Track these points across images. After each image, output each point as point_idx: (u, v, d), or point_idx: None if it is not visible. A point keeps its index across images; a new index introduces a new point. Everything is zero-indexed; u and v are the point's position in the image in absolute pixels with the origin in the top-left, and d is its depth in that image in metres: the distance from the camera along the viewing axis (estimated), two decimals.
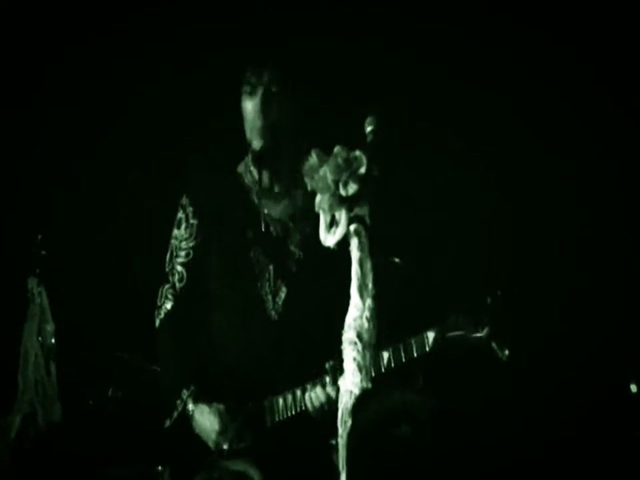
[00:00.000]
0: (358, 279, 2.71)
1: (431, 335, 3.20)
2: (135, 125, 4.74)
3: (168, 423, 3.50)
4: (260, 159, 3.53)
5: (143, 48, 4.68)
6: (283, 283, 3.49)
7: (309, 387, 3.36)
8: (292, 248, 3.53)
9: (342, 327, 2.70)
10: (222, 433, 3.39)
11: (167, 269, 3.59)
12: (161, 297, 3.58)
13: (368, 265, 2.72)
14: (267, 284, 3.49)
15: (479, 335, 3.13)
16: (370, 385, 2.64)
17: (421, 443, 2.02)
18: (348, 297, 2.71)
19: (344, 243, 2.76)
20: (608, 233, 4.44)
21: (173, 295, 3.56)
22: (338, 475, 2.46)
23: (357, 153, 2.78)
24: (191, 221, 3.57)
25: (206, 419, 3.41)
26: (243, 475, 2.28)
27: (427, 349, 3.22)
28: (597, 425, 4.33)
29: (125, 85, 4.72)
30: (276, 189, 3.57)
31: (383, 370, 3.23)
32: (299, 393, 3.38)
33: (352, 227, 2.74)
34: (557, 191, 4.50)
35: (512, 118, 4.49)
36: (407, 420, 2.02)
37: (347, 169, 2.76)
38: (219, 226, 3.57)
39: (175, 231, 3.60)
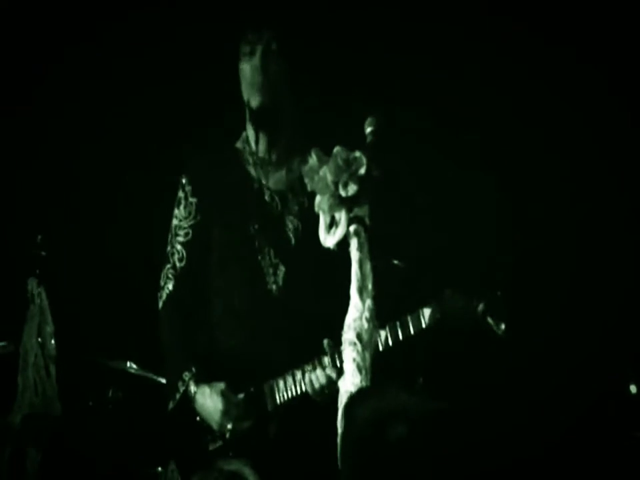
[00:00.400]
0: (357, 280, 2.71)
1: (427, 312, 3.17)
2: (135, 125, 4.74)
3: (171, 405, 3.46)
4: (258, 118, 3.48)
5: (143, 48, 4.68)
6: (282, 256, 3.46)
7: (308, 368, 3.32)
8: (290, 219, 3.50)
9: (342, 327, 2.71)
10: (226, 412, 3.36)
11: (168, 249, 3.56)
12: (163, 277, 3.55)
13: (367, 266, 2.72)
14: (267, 257, 3.46)
15: (474, 310, 3.09)
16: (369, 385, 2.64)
17: (416, 443, 2.01)
18: (347, 297, 2.72)
19: (344, 243, 2.76)
20: (608, 233, 4.44)
21: (173, 275, 3.52)
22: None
23: (357, 153, 2.78)
24: (190, 200, 3.55)
25: (208, 400, 3.38)
26: (238, 475, 2.27)
27: (424, 325, 3.17)
28: (597, 425, 4.33)
29: (124, 84, 4.72)
30: (273, 158, 3.53)
31: (381, 349, 3.17)
32: (298, 374, 3.33)
33: (352, 228, 2.75)
34: (557, 190, 4.49)
35: (512, 118, 4.48)
36: (402, 420, 2.02)
37: (347, 170, 2.76)
38: (218, 203, 3.54)
39: (175, 211, 3.58)
